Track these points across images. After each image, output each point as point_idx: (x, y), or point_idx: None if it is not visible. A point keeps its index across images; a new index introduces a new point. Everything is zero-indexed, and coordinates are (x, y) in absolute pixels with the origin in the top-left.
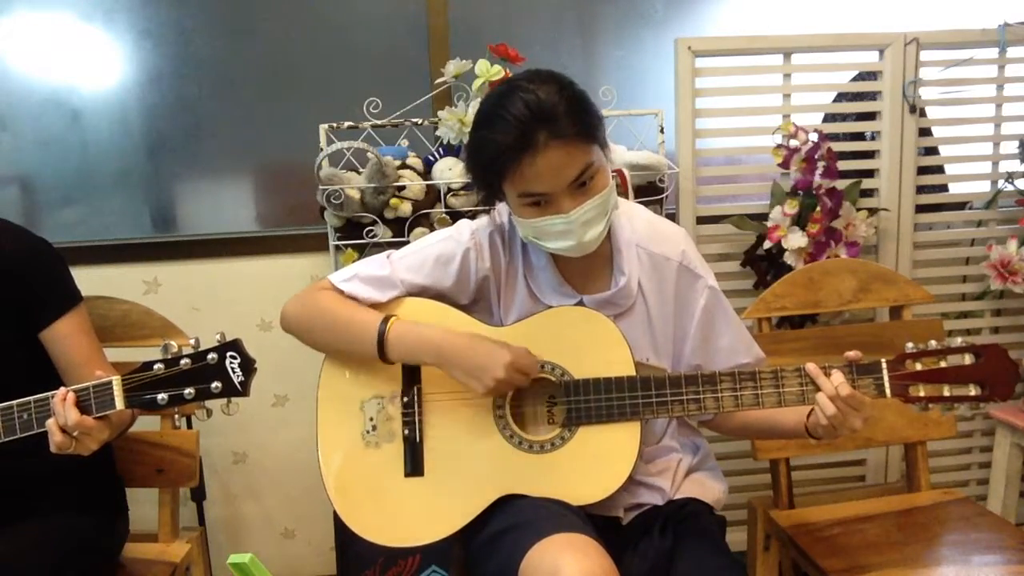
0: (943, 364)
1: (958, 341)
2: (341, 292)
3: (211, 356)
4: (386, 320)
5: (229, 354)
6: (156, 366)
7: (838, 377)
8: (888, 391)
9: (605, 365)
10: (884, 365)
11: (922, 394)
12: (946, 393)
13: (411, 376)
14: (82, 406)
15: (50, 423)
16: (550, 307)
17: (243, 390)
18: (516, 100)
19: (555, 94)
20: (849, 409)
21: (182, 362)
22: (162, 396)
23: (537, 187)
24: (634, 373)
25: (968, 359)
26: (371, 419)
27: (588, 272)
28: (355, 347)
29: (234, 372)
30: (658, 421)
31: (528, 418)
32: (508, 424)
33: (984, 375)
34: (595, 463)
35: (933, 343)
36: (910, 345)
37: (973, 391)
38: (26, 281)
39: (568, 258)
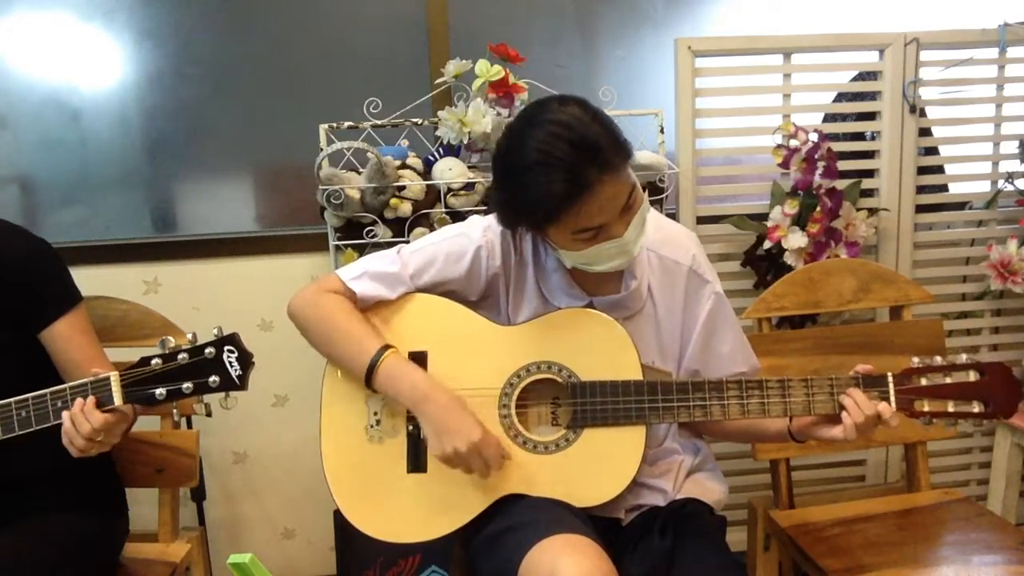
0: (948, 380)
1: (963, 358)
2: (351, 291)
3: (208, 350)
4: (381, 351)
5: (227, 348)
6: (154, 361)
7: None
8: (893, 405)
9: (612, 368)
10: (890, 379)
11: (926, 409)
12: (950, 409)
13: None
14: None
15: (68, 431)
16: (559, 308)
17: (241, 384)
18: (548, 137)
19: (589, 123)
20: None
21: (179, 357)
22: (160, 391)
23: (595, 221)
24: (641, 377)
25: (972, 376)
26: (375, 413)
27: (599, 274)
28: (348, 367)
29: (232, 366)
30: (662, 424)
31: (532, 418)
32: (513, 423)
33: (988, 392)
34: (600, 465)
35: (938, 359)
36: (916, 360)
37: (976, 408)
38: (25, 281)
39: None
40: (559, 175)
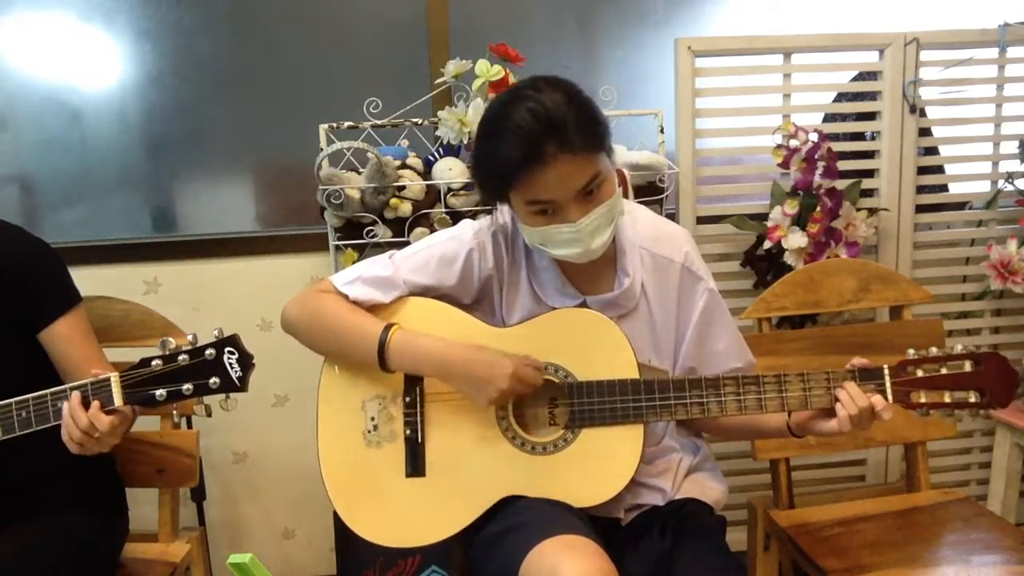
0: (944, 371)
1: (958, 348)
2: (344, 295)
3: (209, 352)
4: (387, 329)
5: (227, 350)
6: (154, 362)
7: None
8: (890, 397)
9: (608, 367)
10: (886, 371)
11: (923, 400)
12: (946, 399)
13: (413, 376)
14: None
15: (67, 423)
16: (553, 308)
17: (241, 385)
18: (522, 110)
19: (563, 104)
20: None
21: (180, 358)
22: (160, 392)
23: (544, 195)
24: (637, 376)
25: (968, 366)
26: (372, 418)
27: (592, 273)
28: (355, 354)
29: (232, 368)
30: (659, 422)
31: (530, 419)
32: (511, 425)
33: (984, 382)
34: (598, 465)
35: (934, 350)
36: (911, 351)
37: (973, 398)
38: (24, 282)
39: None
40: (516, 140)
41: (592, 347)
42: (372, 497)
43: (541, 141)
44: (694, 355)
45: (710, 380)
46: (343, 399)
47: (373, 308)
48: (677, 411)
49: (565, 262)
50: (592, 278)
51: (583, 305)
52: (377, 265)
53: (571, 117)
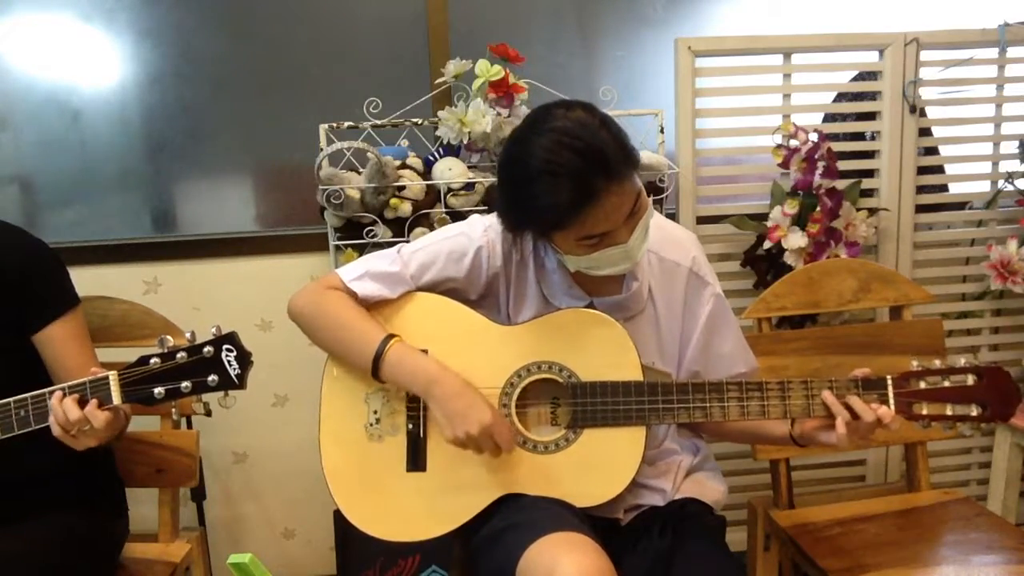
0: (946, 383)
1: (961, 361)
2: (352, 292)
3: (207, 349)
4: (386, 341)
5: (225, 347)
6: (152, 360)
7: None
8: (892, 408)
9: (612, 369)
10: (889, 382)
11: (925, 412)
12: (948, 412)
13: None
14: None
15: (56, 414)
16: (560, 308)
17: (240, 383)
18: (557, 147)
19: (596, 130)
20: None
21: (178, 356)
22: (159, 390)
23: (600, 229)
24: (641, 378)
25: (971, 379)
26: (375, 411)
27: (600, 276)
28: (351, 359)
29: (230, 365)
30: (661, 425)
31: (531, 418)
32: (513, 423)
33: (985, 395)
34: (599, 466)
35: (937, 362)
36: (915, 363)
37: (974, 411)
38: (23, 283)
39: None
40: (565, 184)
41: (596, 348)
42: (372, 490)
43: (590, 179)
44: (699, 359)
45: (713, 384)
46: (346, 391)
47: (380, 304)
48: (680, 414)
49: None
50: (600, 281)
51: (590, 307)
52: (385, 260)
53: (608, 142)
